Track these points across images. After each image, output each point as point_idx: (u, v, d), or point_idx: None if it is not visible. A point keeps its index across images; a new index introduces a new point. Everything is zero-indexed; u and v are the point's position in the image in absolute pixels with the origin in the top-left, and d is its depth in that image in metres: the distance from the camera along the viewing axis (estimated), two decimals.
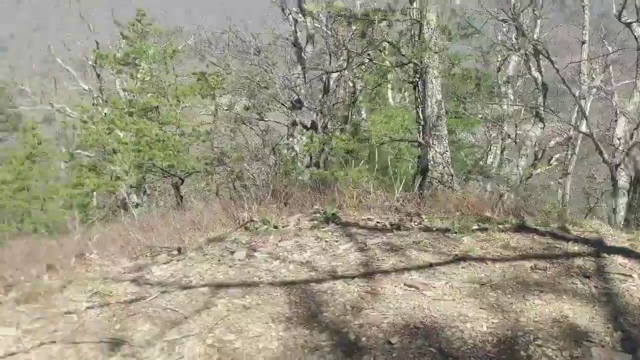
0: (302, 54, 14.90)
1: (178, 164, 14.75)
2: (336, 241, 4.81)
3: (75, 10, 22.44)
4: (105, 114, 19.38)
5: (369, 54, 12.07)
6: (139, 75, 15.94)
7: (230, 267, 4.44)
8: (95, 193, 18.32)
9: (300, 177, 12.74)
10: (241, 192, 11.01)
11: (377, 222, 5.28)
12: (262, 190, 9.76)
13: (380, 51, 12.12)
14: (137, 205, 16.66)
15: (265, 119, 17.46)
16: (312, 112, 15.11)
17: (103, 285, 4.40)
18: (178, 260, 4.83)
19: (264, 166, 13.31)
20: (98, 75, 21.38)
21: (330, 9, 8.89)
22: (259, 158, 13.72)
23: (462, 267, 4.09)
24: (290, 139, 16.13)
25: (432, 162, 9.48)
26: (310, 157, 14.62)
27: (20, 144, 19.01)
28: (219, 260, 4.64)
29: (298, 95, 14.99)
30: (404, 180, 8.39)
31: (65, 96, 25.04)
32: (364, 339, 3.06)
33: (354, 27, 12.58)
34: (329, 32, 13.92)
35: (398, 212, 6.08)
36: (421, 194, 8.02)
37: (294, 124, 15.55)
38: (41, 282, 5.69)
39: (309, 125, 15.01)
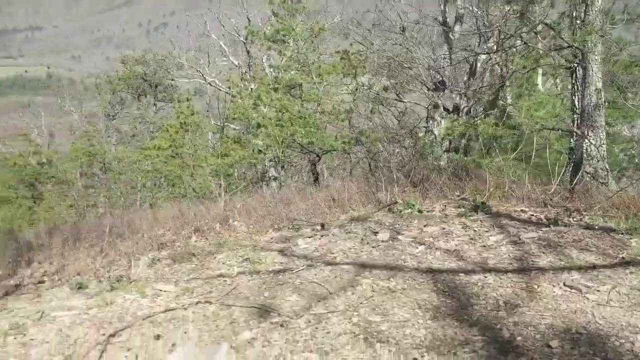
0: (450, 34, 14.42)
1: (317, 141, 15.07)
2: (486, 231, 4.59)
3: None
4: (251, 89, 20.32)
5: (522, 36, 11.37)
6: (287, 53, 16.41)
7: (373, 247, 4.43)
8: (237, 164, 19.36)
9: (438, 162, 12.43)
10: (378, 173, 10.99)
11: (531, 215, 4.96)
12: (399, 172, 9.65)
13: (536, 34, 11.36)
14: (275, 179, 17.31)
15: (404, 100, 17.24)
16: (455, 95, 14.64)
17: (252, 252, 4.61)
18: (322, 236, 4.91)
19: (400, 148, 13.18)
20: (248, 52, 22.35)
21: None
22: (396, 140, 13.60)
23: (630, 272, 3.71)
24: (430, 121, 15.77)
25: (586, 154, 8.75)
26: (450, 142, 14.21)
27: (175, 114, 20.49)
28: (362, 239, 4.65)
29: (442, 77, 14.57)
30: (554, 173, 7.85)
31: (216, 70, 26.51)
32: (519, 338, 2.88)
33: (507, 8, 11.90)
34: (480, 11, 13.31)
35: (546, 205, 5.67)
36: (572, 188, 7.45)
37: (436, 106, 15.16)
38: (191, 243, 6.13)
39: (451, 109, 14.58)
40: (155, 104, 31.80)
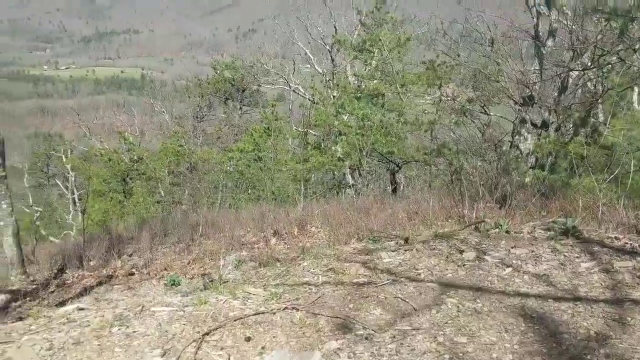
0: (542, 49, 13.94)
1: (398, 151, 15.01)
2: (577, 257, 4.44)
3: None
4: (334, 96, 20.56)
5: (619, 53, 10.85)
6: (372, 63, 16.49)
7: (459, 266, 4.40)
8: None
9: (523, 179, 12.05)
10: (460, 187, 10.79)
11: (625, 243, 4.74)
12: (482, 187, 9.43)
13: (634, 51, 10.81)
14: (352, 186, 17.39)
15: (489, 113, 16.81)
16: (544, 111, 14.13)
17: (337, 262, 4.70)
18: (406, 250, 4.93)
19: (484, 162, 12.87)
20: (332, 60, 22.61)
21: (585, 3, 8.12)
22: (480, 153, 13.29)
23: None
24: (516, 136, 15.29)
25: None
26: (536, 159, 13.74)
27: (260, 119, 21.06)
28: (447, 257, 4.63)
29: (531, 91, 14.11)
30: None
31: (300, 77, 26.99)
32: None
33: (604, 24, 11.40)
34: (575, 26, 12.80)
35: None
36: None
37: (523, 121, 14.69)
38: (271, 246, 6.30)
39: (539, 124, 14.09)
40: (240, 108, 32.84)
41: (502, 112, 16.62)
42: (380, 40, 16.30)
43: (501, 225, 5.21)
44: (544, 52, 14.20)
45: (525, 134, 14.70)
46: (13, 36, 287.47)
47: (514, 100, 14.94)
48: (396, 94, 17.06)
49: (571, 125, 14.22)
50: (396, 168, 16.24)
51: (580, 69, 12.13)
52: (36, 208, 18.63)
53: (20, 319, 3.85)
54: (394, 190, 16.06)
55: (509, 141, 15.31)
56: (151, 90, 41.59)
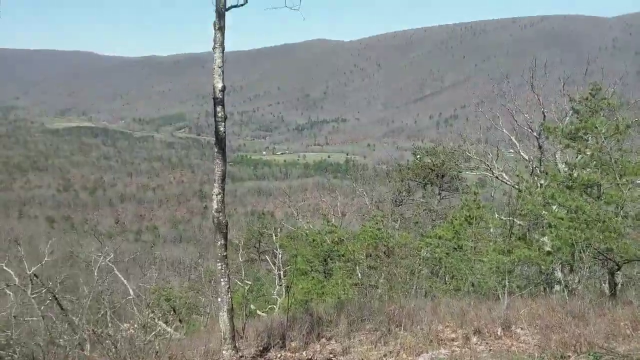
0: None
1: (617, 248, 13.46)
2: None
3: (527, 82, 23.36)
4: (541, 184, 19.40)
5: None
6: (587, 152, 15.35)
7: None
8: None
9: None
10: None
11: None
12: None
13: None
14: (560, 283, 15.93)
15: None
16: None
17: None
18: None
19: None
20: (540, 147, 21.60)
21: None
22: None
23: None
24: None
25: None
26: None
27: (461, 205, 20.67)
28: None
29: None
30: None
31: (503, 164, 26.15)
32: None
33: None
34: None
35: None
36: None
37: None
38: (474, 349, 5.91)
39: None
40: (439, 193, 32.72)
41: None
42: (596, 127, 15.16)
43: None
44: None
45: None
46: (241, 126, 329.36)
47: None
48: (615, 185, 15.49)
49: None
50: (615, 267, 14.51)
51: None
52: (247, 282, 20.29)
53: None
54: (613, 293, 14.30)
55: None
56: (353, 173, 43.81)
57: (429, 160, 32.36)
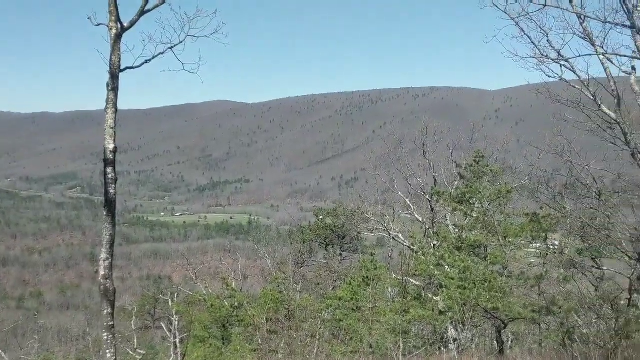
0: None
1: (503, 307, 14.27)
2: None
3: (420, 148, 24.83)
4: (434, 245, 20.35)
5: None
6: (473, 214, 16.43)
7: None
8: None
9: None
10: (572, 350, 9.94)
11: None
12: (598, 351, 8.64)
13: None
14: (455, 341, 16.52)
15: (602, 267, 15.78)
16: None
17: None
18: None
19: (599, 321, 11.86)
20: (432, 209, 22.78)
21: None
22: (594, 311, 12.32)
23: None
24: (635, 294, 14.14)
25: None
26: None
27: (359, 266, 21.11)
28: None
29: None
30: None
31: (399, 224, 27.20)
32: None
33: None
34: None
35: None
36: None
37: None
38: None
39: None
40: (340, 254, 33.24)
41: (616, 267, 15.57)
42: (479, 192, 16.34)
43: None
44: None
45: None
46: (138, 186, 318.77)
47: (628, 255, 14.01)
48: (499, 246, 16.60)
49: None
50: (502, 325, 15.32)
51: None
52: (140, 351, 19.18)
53: None
54: (501, 350, 15.02)
55: (627, 299, 14.13)
56: (256, 235, 43.57)
57: (330, 222, 32.97)
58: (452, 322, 16.47)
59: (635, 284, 13.93)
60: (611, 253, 14.78)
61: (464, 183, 18.53)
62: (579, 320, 12.89)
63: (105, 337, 5.45)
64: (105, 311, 5.57)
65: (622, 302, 13.93)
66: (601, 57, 10.11)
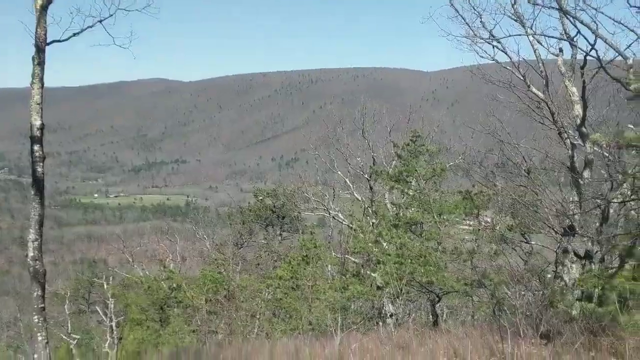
0: (579, 180, 13.96)
1: (437, 280, 14.76)
2: None
3: (359, 128, 25.06)
4: (373, 223, 20.73)
5: None
6: (409, 192, 16.80)
7: None
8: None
9: (570, 311, 11.54)
10: (503, 320, 10.37)
11: None
12: (525, 320, 9.05)
13: None
14: (392, 315, 16.95)
15: (530, 242, 16.55)
16: (586, 241, 13.82)
17: None
18: None
19: (527, 293, 12.45)
20: (371, 188, 23.11)
21: (619, 139, 8.27)
22: (522, 284, 12.93)
23: None
24: (560, 267, 14.89)
25: None
26: (582, 291, 13.21)
27: (299, 246, 21.21)
28: None
29: (571, 222, 13.92)
30: None
31: (340, 204, 27.45)
32: None
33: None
34: (611, 158, 12.89)
35: None
36: None
37: (565, 251, 14.37)
38: None
39: (582, 255, 13.72)
40: (280, 234, 33.29)
41: (543, 241, 16.35)
42: (416, 171, 16.72)
43: None
44: (581, 182, 14.22)
45: (569, 264, 14.30)
46: (69, 167, 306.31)
47: (554, 230, 14.74)
48: (434, 223, 17.10)
49: (616, 256, 13.80)
50: (436, 298, 15.85)
51: (620, 201, 11.99)
52: (74, 336, 18.62)
53: None
54: (435, 322, 15.55)
55: (553, 271, 14.89)
56: (194, 217, 42.88)
57: (270, 202, 32.90)
58: (389, 297, 16.88)
59: (561, 257, 14.70)
60: (539, 228, 15.47)
61: (401, 162, 18.90)
62: (509, 292, 13.46)
63: (36, 320, 5.27)
64: (36, 293, 5.39)
65: (549, 276, 14.65)
66: (531, 38, 10.49)
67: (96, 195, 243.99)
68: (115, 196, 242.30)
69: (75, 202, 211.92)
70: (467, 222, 18.48)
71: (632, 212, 13.46)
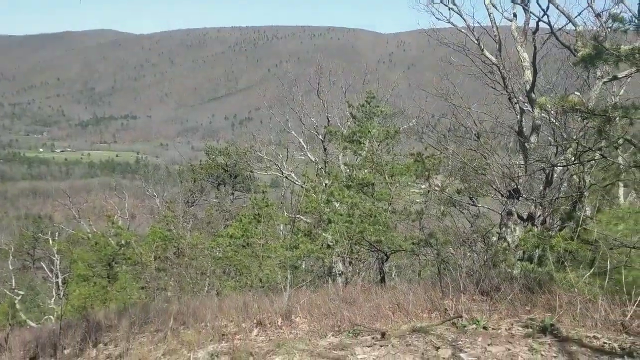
0: (526, 144, 14.35)
1: (386, 239, 15.01)
2: (554, 357, 4.36)
3: (314, 89, 24.85)
4: (325, 184, 20.81)
5: (601, 150, 11.17)
6: (362, 153, 16.87)
7: None
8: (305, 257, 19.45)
9: (511, 270, 12.01)
10: (446, 278, 10.67)
11: (604, 343, 4.67)
12: (469, 278, 9.35)
13: (616, 148, 11.13)
14: (341, 274, 17.23)
15: (477, 205, 17.01)
16: (530, 204, 14.32)
17: (309, 358, 4.59)
18: (381, 346, 4.83)
19: (471, 253, 12.87)
20: (325, 149, 23.12)
21: (564, 103, 8.49)
22: (468, 244, 13.32)
23: None
24: (504, 228, 15.40)
25: None
26: (523, 251, 13.76)
27: (250, 205, 21.14)
28: (423, 354, 4.53)
29: (517, 185, 14.36)
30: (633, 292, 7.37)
31: (293, 164, 27.42)
32: None
33: (586, 122, 11.80)
34: (557, 123, 13.27)
35: (623, 331, 5.30)
36: None
37: (509, 213, 14.85)
38: (251, 338, 6.13)
39: (525, 217, 14.23)
40: (232, 193, 33.10)
41: (490, 204, 16.82)
42: (369, 132, 16.77)
43: (478, 322, 5.15)
44: (528, 147, 14.63)
45: (512, 226, 14.81)
46: (12, 120, 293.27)
47: (500, 193, 15.17)
48: (385, 184, 17.29)
49: (557, 219, 14.36)
50: (385, 257, 16.16)
51: (563, 165, 12.41)
52: (18, 291, 18.24)
53: None
54: (382, 279, 15.91)
55: (497, 232, 15.39)
56: (144, 174, 42.03)
57: (223, 160, 32.53)
58: (339, 256, 17.11)
59: (505, 219, 15.20)
60: (486, 191, 15.88)
61: (355, 123, 18.90)
62: (454, 252, 13.84)
63: None
64: None
65: (494, 237, 15.11)
66: (487, 1, 10.51)
67: (41, 149, 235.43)
68: (62, 151, 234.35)
69: (19, 156, 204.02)
70: (418, 184, 18.77)
71: (574, 176, 13.98)
